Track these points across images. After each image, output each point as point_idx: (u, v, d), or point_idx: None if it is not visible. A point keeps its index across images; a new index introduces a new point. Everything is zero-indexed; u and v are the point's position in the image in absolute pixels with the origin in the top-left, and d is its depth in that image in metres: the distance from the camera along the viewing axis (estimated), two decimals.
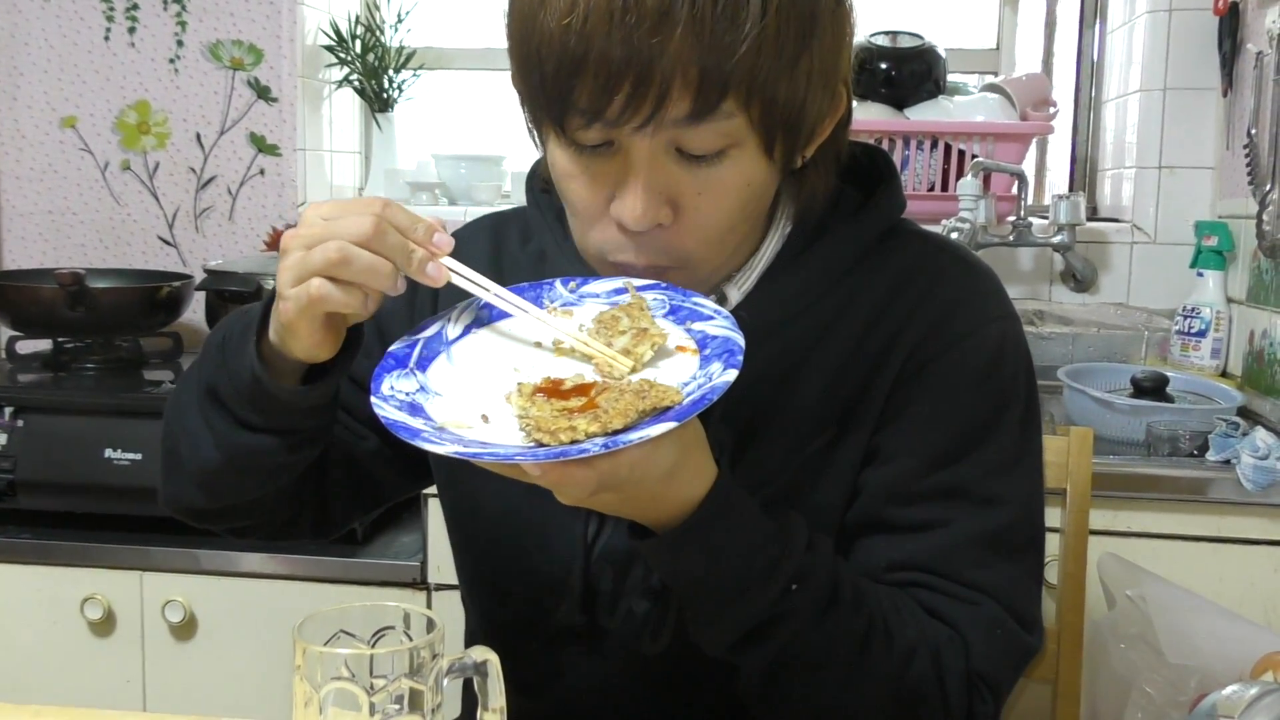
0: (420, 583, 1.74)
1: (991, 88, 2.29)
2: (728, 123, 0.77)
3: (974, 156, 2.14)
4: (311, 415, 0.89)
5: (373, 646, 0.73)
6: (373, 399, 0.76)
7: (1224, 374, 2.04)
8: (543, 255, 0.98)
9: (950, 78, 2.30)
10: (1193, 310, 2.06)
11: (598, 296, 0.84)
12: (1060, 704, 1.33)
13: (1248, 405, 1.81)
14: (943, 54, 2.27)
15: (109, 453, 1.80)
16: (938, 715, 0.84)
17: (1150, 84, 2.22)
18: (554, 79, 0.76)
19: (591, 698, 0.98)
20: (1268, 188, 1.84)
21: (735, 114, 0.76)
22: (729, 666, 0.85)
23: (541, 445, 0.70)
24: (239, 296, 2.07)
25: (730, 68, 0.74)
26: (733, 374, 0.72)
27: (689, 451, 0.77)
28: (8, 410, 1.84)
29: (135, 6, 2.38)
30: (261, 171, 2.41)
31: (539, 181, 0.99)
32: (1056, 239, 2.17)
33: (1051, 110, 2.25)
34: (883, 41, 2.26)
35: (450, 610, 0.96)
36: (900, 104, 2.24)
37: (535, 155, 0.93)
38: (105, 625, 1.81)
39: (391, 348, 0.81)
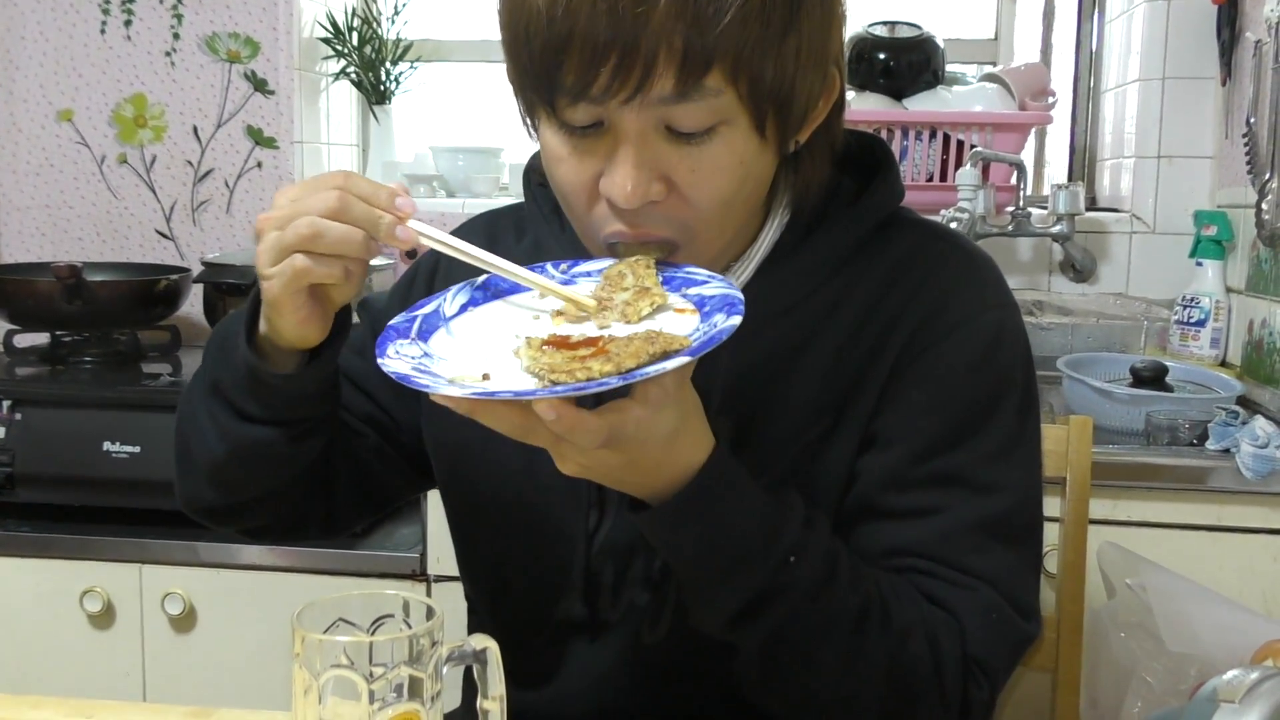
0: (420, 574, 1.74)
1: (990, 78, 2.29)
2: (715, 100, 0.77)
3: (973, 147, 2.13)
4: (308, 403, 0.91)
5: (372, 634, 0.73)
6: (379, 360, 0.76)
7: (1223, 363, 2.04)
8: (538, 248, 0.98)
9: (949, 68, 2.30)
10: (1192, 300, 2.06)
11: (590, 275, 0.85)
12: (1060, 692, 1.33)
13: (1247, 394, 1.81)
14: (941, 44, 2.26)
15: (107, 446, 1.80)
16: (933, 699, 0.84)
17: (1149, 73, 2.22)
18: (541, 57, 0.77)
19: (590, 688, 0.98)
20: (1267, 176, 1.84)
21: (723, 90, 0.77)
22: (726, 653, 0.85)
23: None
24: (237, 289, 2.07)
25: (714, 40, 0.74)
26: (737, 319, 0.72)
27: (689, 418, 0.77)
28: (6, 404, 1.83)
29: (131, 0, 2.38)
30: (259, 164, 2.40)
31: (536, 176, 0.99)
32: (1055, 229, 2.16)
33: (1050, 100, 2.25)
34: (881, 32, 2.26)
35: (449, 602, 0.96)
36: (898, 94, 2.24)
37: (533, 148, 0.93)
38: (105, 618, 1.81)
39: (391, 321, 0.82)
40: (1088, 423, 1.33)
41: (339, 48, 2.43)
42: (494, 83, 2.59)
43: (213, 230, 2.43)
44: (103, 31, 2.40)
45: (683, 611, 0.87)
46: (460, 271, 0.87)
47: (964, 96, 2.24)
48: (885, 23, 2.27)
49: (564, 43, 0.75)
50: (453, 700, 1.07)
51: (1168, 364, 1.79)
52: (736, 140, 0.80)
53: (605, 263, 0.84)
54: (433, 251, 1.08)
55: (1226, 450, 1.58)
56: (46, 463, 1.82)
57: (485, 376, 0.74)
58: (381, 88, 2.49)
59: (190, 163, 2.42)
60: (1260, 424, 1.58)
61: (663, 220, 0.82)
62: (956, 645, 0.85)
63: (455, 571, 1.10)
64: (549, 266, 0.86)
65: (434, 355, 0.78)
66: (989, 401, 0.89)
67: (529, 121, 0.86)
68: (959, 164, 2.14)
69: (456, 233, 1.08)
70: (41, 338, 2.15)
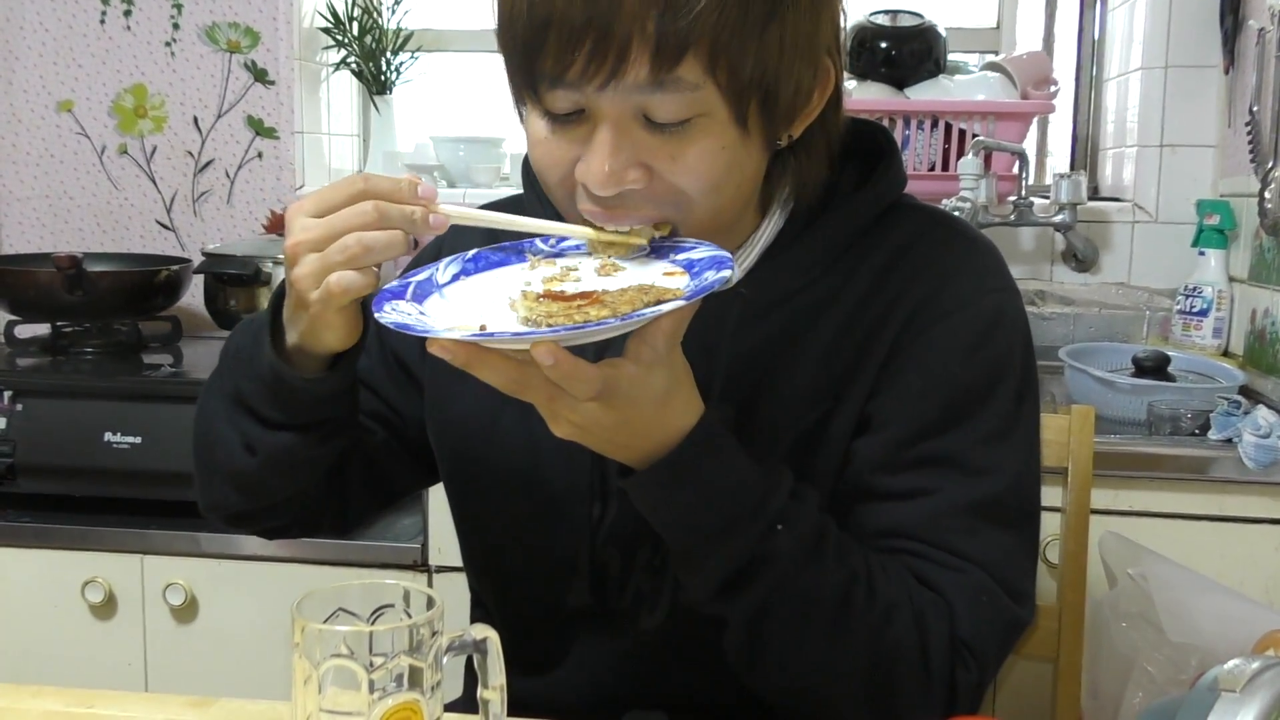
0: (421, 565, 1.74)
1: (992, 66, 2.28)
2: (693, 94, 0.77)
3: (974, 136, 2.13)
4: (335, 402, 0.92)
5: (372, 624, 0.72)
6: (375, 314, 0.77)
7: (1226, 353, 2.03)
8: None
9: (950, 57, 2.29)
10: (1194, 289, 2.05)
11: (579, 247, 0.85)
12: (1061, 683, 1.33)
13: (1249, 384, 1.81)
14: (943, 33, 2.26)
15: (108, 436, 1.79)
16: (918, 678, 0.84)
17: (1151, 62, 2.21)
18: (523, 43, 0.78)
19: (590, 674, 0.98)
20: (1270, 165, 1.83)
21: (701, 84, 0.76)
22: (721, 634, 0.85)
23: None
24: (237, 280, 2.07)
25: (687, 25, 0.74)
26: (728, 272, 0.73)
27: (680, 381, 0.78)
28: (7, 394, 1.83)
29: None
30: (259, 155, 2.40)
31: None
32: (1058, 218, 2.16)
33: (1052, 89, 2.24)
34: (882, 21, 2.25)
35: (451, 592, 0.96)
36: (900, 83, 2.23)
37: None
38: (106, 608, 1.81)
39: (385, 286, 0.82)
40: (1089, 412, 1.33)
41: (339, 37, 2.43)
42: (495, 72, 2.56)
43: (213, 221, 2.42)
44: (102, 22, 2.39)
45: (680, 593, 0.87)
46: (462, 249, 0.88)
47: (966, 85, 2.24)
48: (887, 11, 2.26)
49: (543, 27, 0.76)
50: (454, 690, 1.07)
51: (1170, 354, 1.79)
52: (715, 131, 0.79)
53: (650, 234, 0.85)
54: (433, 242, 1.09)
55: (1229, 440, 1.57)
56: (48, 453, 1.82)
57: (482, 327, 0.74)
58: (382, 78, 2.49)
59: (191, 153, 2.42)
60: (1262, 414, 1.58)
61: (650, 201, 0.82)
62: (944, 626, 0.85)
63: (456, 562, 1.10)
64: (538, 241, 0.87)
65: (429, 314, 0.79)
66: (985, 385, 0.89)
67: (518, 108, 0.86)
68: (961, 153, 2.13)
69: (455, 225, 1.09)
70: (42, 328, 2.15)
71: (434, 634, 0.71)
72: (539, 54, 0.77)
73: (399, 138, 2.55)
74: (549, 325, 0.71)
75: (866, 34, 2.23)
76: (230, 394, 0.92)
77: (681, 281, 0.77)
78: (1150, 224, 2.24)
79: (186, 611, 1.80)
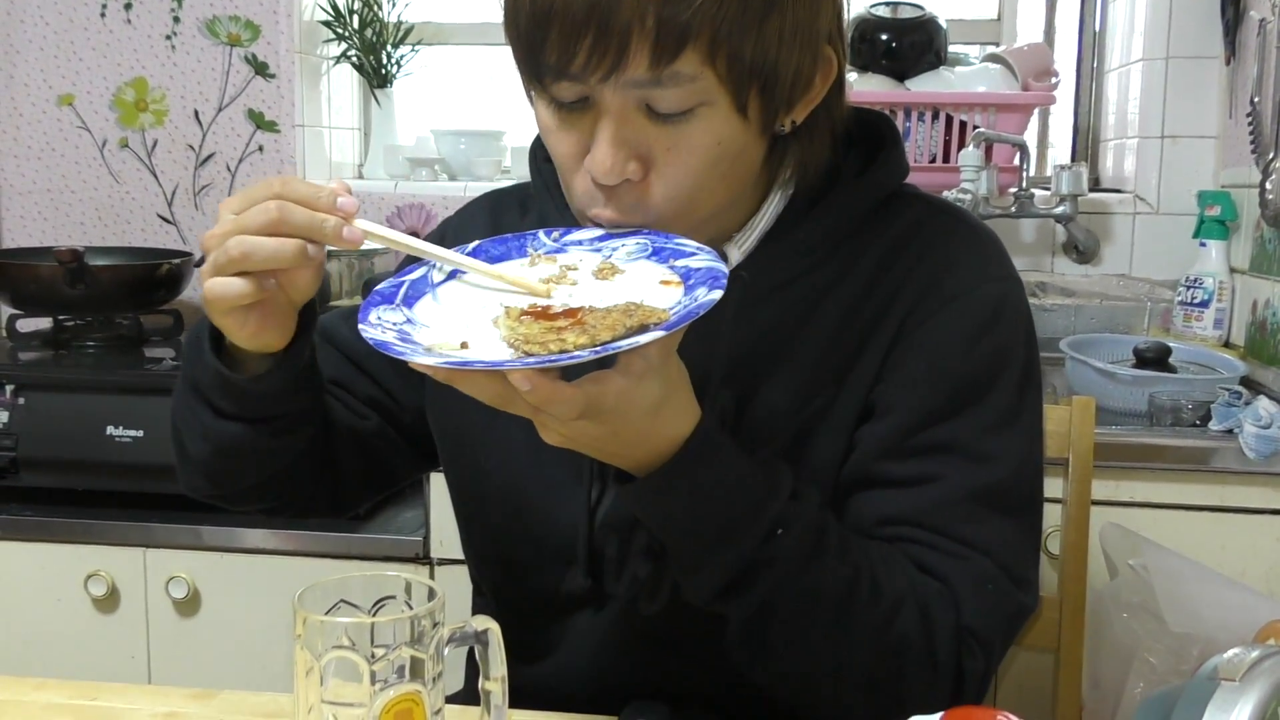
0: (423, 558, 1.74)
1: (993, 58, 2.27)
2: (693, 84, 0.77)
3: (975, 127, 2.13)
4: (282, 400, 0.92)
5: (373, 616, 0.73)
6: (360, 326, 0.76)
7: (1227, 344, 2.03)
8: (542, 223, 0.99)
9: (951, 48, 2.28)
10: (1195, 280, 2.05)
11: (581, 244, 0.85)
12: (1062, 673, 1.33)
13: (1250, 375, 1.81)
14: (943, 24, 2.25)
15: (110, 430, 1.80)
16: (925, 669, 0.84)
17: (1152, 53, 2.21)
18: (527, 35, 0.78)
19: (590, 661, 0.98)
20: (1271, 156, 1.83)
21: (699, 75, 0.77)
22: (722, 624, 0.85)
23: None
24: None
25: (689, 17, 0.74)
26: (718, 293, 0.72)
27: (674, 389, 0.77)
28: (9, 388, 1.84)
29: None
30: (260, 148, 2.40)
31: (541, 152, 1.00)
32: (1058, 210, 2.16)
33: (1053, 80, 2.23)
34: (883, 12, 2.24)
35: (453, 584, 0.96)
36: (901, 75, 2.23)
37: (535, 130, 0.93)
38: (109, 602, 1.82)
39: (377, 286, 0.82)
40: (1090, 403, 1.33)
41: (339, 31, 2.42)
42: (496, 66, 2.59)
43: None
44: (103, 15, 2.39)
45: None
46: (466, 241, 0.87)
47: (967, 77, 2.23)
48: (887, 3, 2.26)
49: (546, 19, 0.76)
50: (455, 682, 1.07)
51: (1171, 345, 1.79)
52: (716, 121, 0.80)
53: (596, 232, 0.85)
54: (438, 229, 1.09)
55: (1229, 431, 1.57)
56: (50, 447, 1.82)
57: (464, 345, 0.74)
58: (383, 71, 2.48)
59: (191, 147, 2.42)
60: (1263, 404, 1.58)
61: (632, 207, 0.82)
62: (950, 615, 0.85)
63: (458, 554, 1.10)
64: (541, 234, 0.87)
65: (417, 322, 0.79)
66: (988, 372, 0.89)
67: (527, 93, 0.86)
68: (962, 145, 2.13)
69: (462, 212, 1.09)
70: (44, 322, 2.15)
71: (435, 625, 0.71)
72: (542, 47, 0.77)
73: (400, 131, 2.55)
74: (526, 350, 0.70)
75: (867, 26, 2.23)
76: (190, 380, 0.93)
77: (675, 294, 0.77)
78: (1151, 215, 2.24)
79: (189, 604, 1.81)
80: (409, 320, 0.79)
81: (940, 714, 0.66)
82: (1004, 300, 0.92)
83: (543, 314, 0.75)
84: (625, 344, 0.69)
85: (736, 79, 0.78)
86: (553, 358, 0.69)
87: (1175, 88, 2.19)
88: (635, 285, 0.79)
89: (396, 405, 1.06)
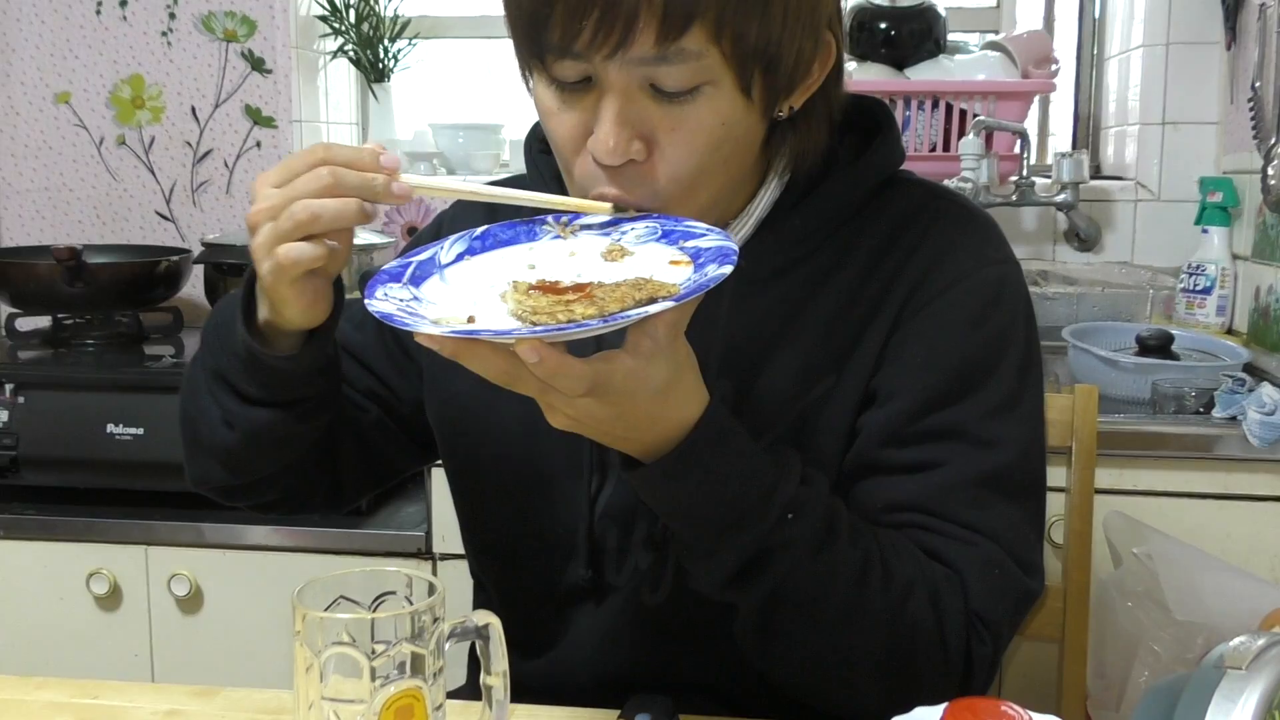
0: (425, 553, 1.74)
1: (992, 46, 2.27)
2: (698, 62, 0.77)
3: (975, 116, 2.12)
4: (311, 381, 0.91)
5: (373, 611, 0.72)
6: (366, 301, 0.76)
7: (1229, 331, 2.03)
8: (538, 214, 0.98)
9: (950, 36, 2.28)
10: (1198, 267, 2.04)
11: (591, 228, 0.84)
12: (1067, 663, 1.33)
13: (1253, 361, 1.80)
14: (942, 12, 2.24)
15: (111, 428, 1.80)
16: (935, 655, 0.84)
17: (1153, 39, 2.20)
18: (530, 14, 0.78)
19: (592, 653, 0.98)
20: (1273, 141, 1.82)
21: (704, 52, 0.77)
22: (726, 614, 0.84)
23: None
24: (238, 269, 2.06)
25: None
26: (728, 268, 0.71)
27: (682, 371, 0.76)
28: (9, 387, 1.83)
29: None
30: (258, 144, 2.39)
31: (537, 144, 1.00)
32: (1060, 198, 2.15)
33: (1053, 68, 2.23)
34: (882, 1, 2.24)
35: (455, 580, 0.96)
36: (900, 64, 2.22)
37: (534, 119, 0.93)
38: (112, 599, 1.82)
39: (384, 266, 0.82)
40: (1093, 392, 1.32)
41: (336, 25, 2.42)
42: (493, 59, 2.58)
43: (213, 211, 2.42)
44: (98, 12, 2.38)
45: (683, 573, 0.87)
46: (462, 229, 0.87)
47: (966, 65, 2.22)
48: None
49: None
50: (457, 678, 1.07)
51: (1173, 332, 1.79)
52: (720, 101, 0.80)
53: (605, 216, 0.84)
54: (434, 220, 1.09)
55: (1233, 418, 1.57)
56: (50, 446, 1.82)
57: (470, 319, 0.73)
58: (380, 65, 2.48)
59: (189, 143, 2.41)
60: (1267, 391, 1.57)
61: (635, 187, 0.82)
62: (958, 600, 0.85)
63: (460, 549, 1.10)
64: (550, 219, 0.86)
65: (423, 299, 0.78)
66: (990, 357, 0.89)
67: (525, 77, 0.86)
68: (962, 133, 2.12)
69: (458, 204, 1.09)
70: (43, 321, 2.15)
71: (435, 621, 0.71)
72: (546, 24, 0.77)
73: (397, 125, 2.55)
74: (534, 321, 0.70)
75: (866, 14, 2.22)
76: (211, 368, 0.92)
77: (684, 273, 0.76)
78: (1153, 202, 2.23)
79: (192, 602, 1.81)
80: (415, 298, 0.78)
81: (944, 705, 0.66)
82: (1003, 283, 0.91)
83: (551, 288, 0.75)
84: (634, 313, 0.69)
85: (741, 59, 0.78)
86: (560, 327, 0.68)
87: (1176, 73, 2.19)
88: (645, 266, 0.78)
89: (395, 397, 1.06)
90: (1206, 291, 2.03)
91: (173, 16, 2.37)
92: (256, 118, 2.38)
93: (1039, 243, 2.27)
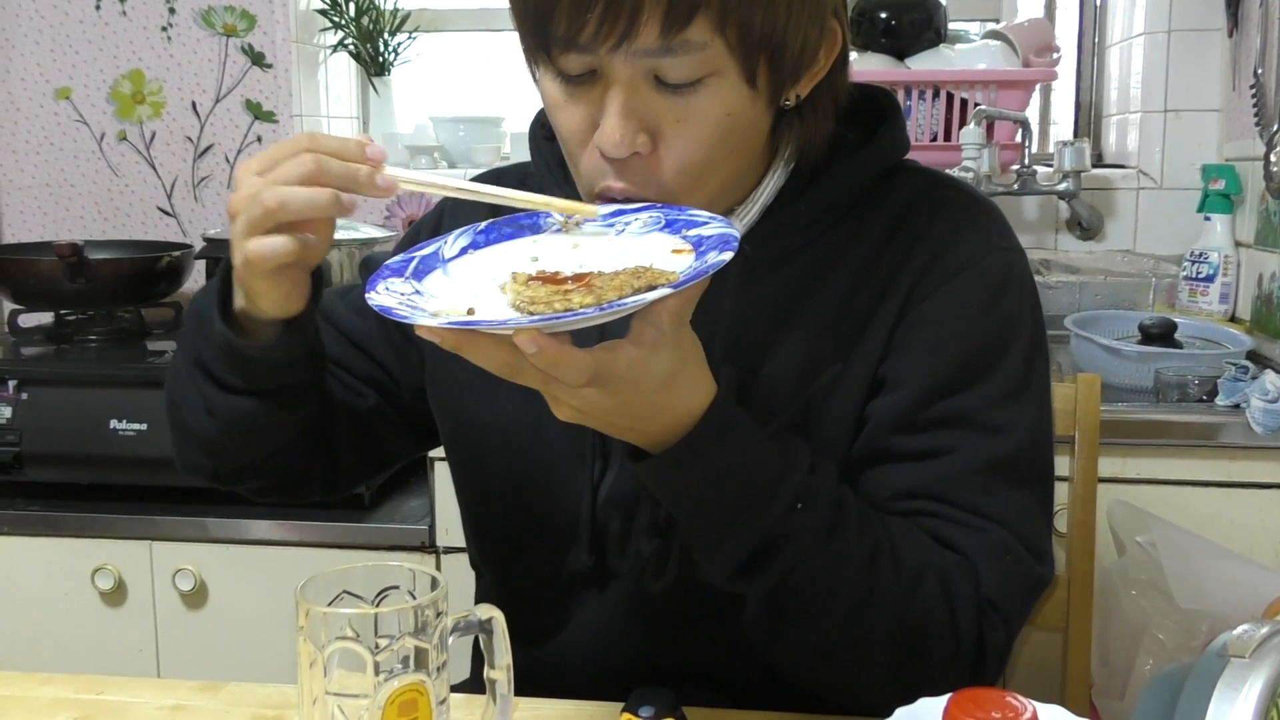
0: (429, 546, 1.74)
1: (993, 34, 2.26)
2: (703, 53, 0.77)
3: (976, 105, 2.11)
4: (291, 369, 0.91)
5: (377, 606, 0.72)
6: (366, 294, 0.76)
7: (1233, 318, 2.02)
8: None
9: (951, 25, 2.27)
10: (1200, 255, 2.04)
11: (594, 220, 0.84)
12: (1071, 651, 1.33)
13: (1257, 349, 1.80)
14: (943, 1, 2.24)
15: (114, 423, 1.80)
16: (947, 643, 0.83)
17: (1154, 26, 2.19)
18: (535, 6, 0.78)
19: (595, 641, 0.98)
20: (1275, 128, 1.82)
21: (709, 43, 0.76)
22: (730, 602, 0.84)
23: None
24: None
25: None
26: (728, 255, 0.71)
27: (687, 360, 0.76)
28: (12, 383, 1.83)
29: None
30: (259, 139, 2.39)
31: (541, 131, 1.00)
32: (1061, 186, 2.15)
33: (1054, 56, 2.22)
34: None
35: (459, 573, 0.96)
36: (901, 54, 2.22)
37: (537, 108, 0.93)
38: (116, 595, 1.82)
39: (388, 260, 0.81)
40: (1096, 380, 1.32)
41: (336, 19, 2.41)
42: (494, 51, 2.58)
43: (214, 206, 2.42)
44: (98, 8, 2.38)
45: (687, 560, 0.87)
46: (464, 221, 0.87)
47: (967, 54, 2.22)
48: None
49: None
50: (461, 672, 1.07)
51: (1176, 320, 1.78)
52: (726, 91, 0.80)
53: (608, 208, 0.84)
54: (435, 208, 1.09)
55: (1236, 406, 1.57)
56: (54, 442, 1.82)
57: (470, 312, 0.73)
58: (380, 59, 2.47)
59: (190, 138, 2.41)
60: (1270, 379, 1.57)
61: (642, 180, 0.82)
62: (970, 587, 0.84)
63: (464, 543, 1.10)
64: (556, 215, 0.86)
65: (425, 293, 0.78)
66: (997, 343, 0.89)
67: (531, 70, 0.86)
68: (963, 123, 2.11)
69: (457, 203, 1.08)
70: (45, 317, 2.15)
71: (439, 615, 0.71)
72: (551, 16, 0.77)
73: (398, 119, 2.54)
74: (531, 311, 0.69)
75: (867, 4, 2.22)
76: (192, 356, 0.92)
77: (685, 260, 0.76)
78: (1155, 190, 2.23)
79: (196, 597, 1.81)
80: (417, 292, 0.78)
81: (948, 695, 0.65)
82: (1009, 270, 0.91)
83: (551, 279, 0.75)
84: (630, 301, 0.68)
85: (746, 48, 0.78)
86: (556, 315, 0.68)
87: (1177, 61, 2.18)
88: (646, 254, 0.78)
89: (394, 384, 1.05)
90: (1209, 279, 2.02)
91: (172, 11, 2.37)
92: (257, 112, 2.38)
93: (1041, 231, 2.27)
